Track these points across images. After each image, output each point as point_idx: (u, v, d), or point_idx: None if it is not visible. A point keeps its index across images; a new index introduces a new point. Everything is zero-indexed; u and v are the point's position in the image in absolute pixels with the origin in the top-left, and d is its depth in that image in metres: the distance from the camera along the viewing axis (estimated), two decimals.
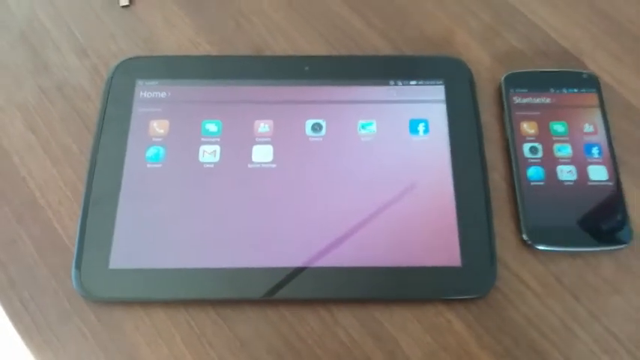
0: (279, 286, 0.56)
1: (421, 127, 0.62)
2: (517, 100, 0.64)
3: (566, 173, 0.60)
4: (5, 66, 0.68)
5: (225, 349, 0.55)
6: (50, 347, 0.55)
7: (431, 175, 0.60)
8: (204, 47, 0.69)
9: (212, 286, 0.56)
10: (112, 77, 0.65)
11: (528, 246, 0.58)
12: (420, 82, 0.65)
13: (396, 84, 0.65)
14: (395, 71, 0.66)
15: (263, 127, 0.62)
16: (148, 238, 0.57)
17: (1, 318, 0.56)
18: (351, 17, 0.71)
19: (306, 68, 0.66)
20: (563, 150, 0.61)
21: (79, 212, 0.59)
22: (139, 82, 0.65)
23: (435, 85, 0.65)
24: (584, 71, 0.66)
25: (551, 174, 0.60)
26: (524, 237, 0.58)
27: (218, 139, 0.62)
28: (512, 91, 0.64)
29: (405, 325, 0.56)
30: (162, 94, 0.64)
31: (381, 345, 0.55)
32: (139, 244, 0.57)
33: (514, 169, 0.61)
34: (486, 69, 0.67)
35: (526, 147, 0.62)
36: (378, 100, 0.64)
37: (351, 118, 0.63)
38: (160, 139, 0.62)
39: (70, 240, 0.59)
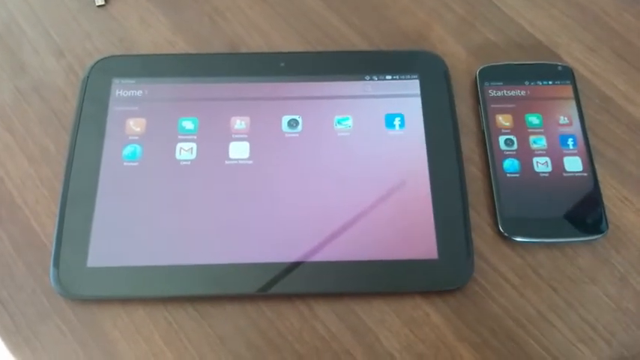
0: (256, 282, 0.56)
1: (397, 122, 0.63)
2: (492, 92, 0.64)
3: (542, 165, 0.61)
4: None
5: (204, 345, 0.55)
6: (29, 345, 0.55)
7: (407, 168, 0.60)
8: (180, 45, 0.69)
9: (190, 282, 0.56)
10: (88, 76, 0.65)
11: (505, 238, 0.58)
12: (395, 77, 0.65)
13: (371, 79, 0.65)
14: (370, 66, 0.66)
15: (239, 123, 0.63)
16: (125, 236, 0.57)
17: None
18: (327, 12, 0.71)
19: (282, 64, 0.66)
20: (539, 142, 0.62)
21: (57, 211, 0.58)
22: (115, 81, 0.65)
23: (410, 79, 0.65)
24: (559, 63, 0.66)
25: (526, 166, 0.61)
26: (501, 229, 0.58)
27: (195, 137, 0.62)
28: (487, 84, 0.65)
29: (383, 319, 0.56)
30: (139, 93, 0.64)
31: (359, 338, 0.55)
32: (116, 242, 0.57)
33: (490, 161, 0.61)
34: (462, 62, 0.68)
35: (502, 139, 0.62)
36: (353, 95, 0.64)
37: (327, 113, 0.63)
38: (136, 138, 0.62)
39: (48, 239, 0.59)
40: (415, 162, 0.61)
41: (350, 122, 0.63)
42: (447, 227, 0.58)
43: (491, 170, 0.61)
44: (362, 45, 0.69)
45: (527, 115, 0.63)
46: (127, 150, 0.61)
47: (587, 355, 0.54)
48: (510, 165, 0.61)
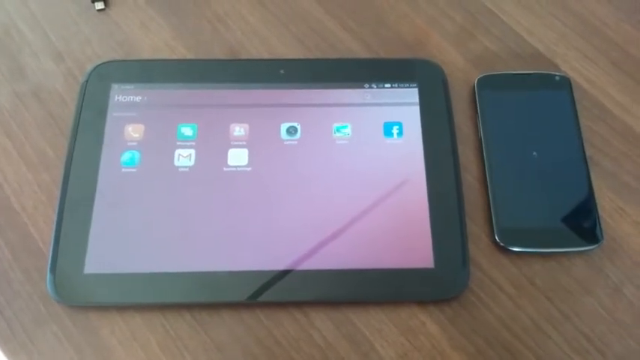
0: (254, 289, 0.56)
1: (395, 130, 0.63)
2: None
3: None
4: None
5: (201, 353, 0.55)
6: (25, 351, 0.55)
7: (405, 177, 0.61)
8: (180, 51, 0.69)
9: (188, 290, 0.56)
10: (87, 81, 0.65)
11: (501, 247, 0.58)
12: (394, 85, 0.65)
13: (370, 87, 0.65)
14: (369, 74, 0.66)
15: (238, 130, 0.63)
16: (123, 242, 0.58)
17: None
18: (327, 20, 0.71)
19: (282, 71, 0.66)
20: None
21: (54, 217, 0.58)
22: (114, 86, 0.65)
23: (409, 87, 0.65)
24: (557, 73, 0.66)
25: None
26: (497, 238, 0.58)
27: (193, 143, 0.62)
28: (485, 92, 0.65)
29: (379, 327, 0.56)
30: (138, 98, 0.64)
31: (355, 347, 0.55)
32: (114, 248, 0.57)
33: (487, 170, 0.61)
34: (460, 71, 0.68)
35: None
36: (352, 103, 0.64)
37: (326, 121, 0.63)
38: (135, 144, 0.62)
39: (45, 245, 0.59)
40: (413, 170, 0.61)
41: (349, 130, 0.63)
42: (443, 236, 0.58)
43: (488, 179, 0.61)
44: (360, 51, 0.69)
45: None
46: (126, 156, 0.61)
47: None
48: None
